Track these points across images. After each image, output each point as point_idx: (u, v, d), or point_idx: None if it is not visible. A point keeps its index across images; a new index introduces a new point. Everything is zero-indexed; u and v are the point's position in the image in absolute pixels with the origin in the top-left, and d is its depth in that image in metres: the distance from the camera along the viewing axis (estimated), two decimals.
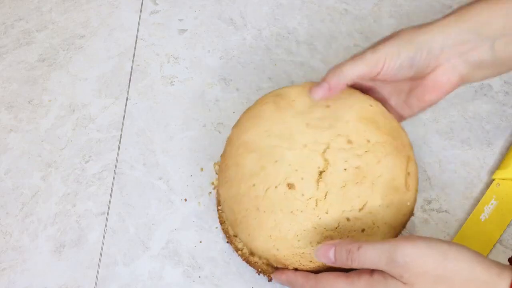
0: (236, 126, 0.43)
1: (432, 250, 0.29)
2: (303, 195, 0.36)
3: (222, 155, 0.43)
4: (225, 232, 0.44)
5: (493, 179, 0.47)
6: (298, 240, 0.36)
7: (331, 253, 0.33)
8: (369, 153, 0.38)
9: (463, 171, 0.49)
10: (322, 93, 0.39)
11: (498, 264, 0.30)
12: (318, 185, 0.37)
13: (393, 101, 0.43)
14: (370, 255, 0.31)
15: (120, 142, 0.52)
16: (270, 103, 0.42)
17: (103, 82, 0.57)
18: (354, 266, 0.32)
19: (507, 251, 0.44)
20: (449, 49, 0.37)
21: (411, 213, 0.38)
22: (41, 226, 0.47)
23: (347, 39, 0.59)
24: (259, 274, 0.42)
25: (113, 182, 0.50)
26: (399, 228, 0.38)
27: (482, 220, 0.45)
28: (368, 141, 0.38)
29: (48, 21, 0.63)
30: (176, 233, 0.46)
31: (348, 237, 0.36)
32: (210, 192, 0.48)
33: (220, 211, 0.44)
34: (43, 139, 0.53)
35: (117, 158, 0.51)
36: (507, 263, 0.43)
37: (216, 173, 0.47)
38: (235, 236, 0.42)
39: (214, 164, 0.50)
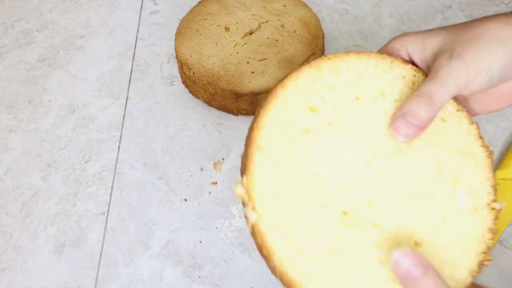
0: None
1: None
2: (230, 37, 0.52)
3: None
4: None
5: None
6: (208, 58, 0.51)
7: (417, 271, 0.27)
8: (289, 37, 0.52)
9: None
10: (413, 133, 0.29)
11: None
12: (243, 37, 0.52)
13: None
14: None
15: (120, 142, 0.52)
16: None
17: (103, 82, 0.57)
18: None
19: (507, 251, 0.44)
20: None
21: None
22: (41, 226, 0.47)
23: (347, 39, 0.59)
24: None
25: (113, 182, 0.50)
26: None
27: None
28: (295, 31, 0.53)
29: (48, 21, 0.63)
30: (176, 233, 0.46)
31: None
32: (210, 192, 0.48)
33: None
34: (43, 139, 0.53)
35: (117, 158, 0.51)
36: (507, 263, 0.43)
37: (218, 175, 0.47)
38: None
39: (214, 164, 0.50)
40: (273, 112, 0.30)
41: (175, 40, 0.53)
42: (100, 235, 0.47)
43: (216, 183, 0.49)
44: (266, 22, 0.53)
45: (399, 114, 0.29)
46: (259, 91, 0.49)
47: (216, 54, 0.51)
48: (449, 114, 0.33)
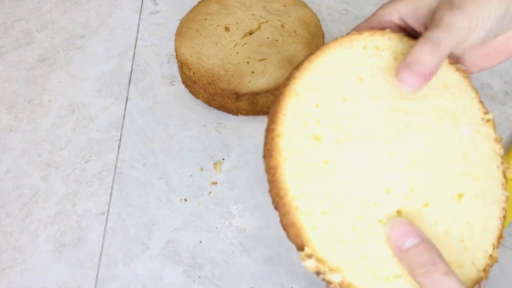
0: None
1: None
2: (230, 37, 0.52)
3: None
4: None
5: None
6: (208, 58, 0.51)
7: (409, 242, 0.26)
8: (290, 37, 0.52)
9: None
10: (418, 83, 0.28)
11: None
12: (243, 37, 0.52)
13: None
14: None
15: (120, 142, 0.52)
16: None
17: (103, 82, 0.57)
18: (421, 281, 0.26)
19: (507, 251, 0.44)
20: None
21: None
22: (41, 226, 0.47)
23: None
24: None
25: (113, 182, 0.50)
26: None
27: None
28: (295, 31, 0.53)
29: (48, 21, 0.63)
30: (176, 233, 0.46)
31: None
32: (210, 192, 0.48)
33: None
34: (43, 139, 0.53)
35: (117, 158, 0.51)
36: (507, 263, 0.43)
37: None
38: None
39: (214, 164, 0.50)
40: (287, 167, 0.27)
41: (175, 40, 0.53)
42: (100, 235, 0.47)
43: (216, 183, 0.49)
44: (266, 22, 0.53)
45: (404, 63, 0.28)
46: (259, 91, 0.49)
47: (216, 54, 0.51)
48: None
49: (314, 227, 0.27)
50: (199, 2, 0.56)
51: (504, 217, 0.30)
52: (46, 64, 0.59)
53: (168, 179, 0.49)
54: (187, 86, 0.55)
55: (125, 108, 0.55)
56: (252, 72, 0.50)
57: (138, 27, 0.62)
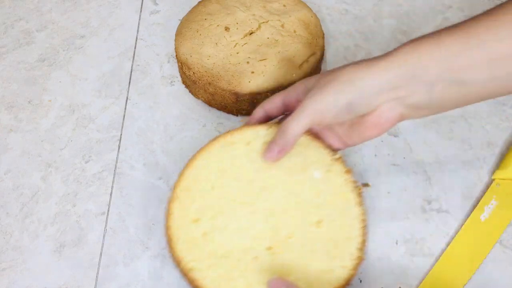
0: None
1: None
2: (230, 37, 0.52)
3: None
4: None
5: (493, 179, 0.47)
6: (208, 58, 0.51)
7: None
8: (289, 37, 0.52)
9: (463, 171, 0.49)
10: (275, 156, 0.40)
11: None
12: (244, 37, 0.52)
13: (337, 130, 0.42)
14: None
15: (120, 142, 0.52)
16: None
17: (103, 82, 0.57)
18: None
19: (507, 251, 0.44)
20: (387, 93, 0.36)
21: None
22: (41, 226, 0.47)
23: (347, 39, 0.59)
24: None
25: (113, 182, 0.50)
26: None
27: (482, 220, 0.45)
28: (295, 31, 0.53)
29: (48, 21, 0.63)
30: None
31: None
32: None
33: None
34: (43, 139, 0.53)
35: (117, 158, 0.51)
36: (507, 263, 0.43)
37: None
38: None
39: None
40: (178, 245, 0.39)
41: (175, 40, 0.54)
42: (100, 235, 0.47)
43: None
44: (266, 22, 0.53)
45: (268, 144, 0.41)
46: (259, 91, 0.49)
47: (216, 54, 0.51)
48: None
49: (205, 277, 0.37)
50: (199, 2, 0.56)
51: (365, 226, 0.39)
52: (46, 64, 0.59)
53: (168, 179, 0.49)
54: (187, 86, 0.55)
55: (125, 108, 0.55)
56: (252, 72, 0.50)
57: (138, 27, 0.62)
